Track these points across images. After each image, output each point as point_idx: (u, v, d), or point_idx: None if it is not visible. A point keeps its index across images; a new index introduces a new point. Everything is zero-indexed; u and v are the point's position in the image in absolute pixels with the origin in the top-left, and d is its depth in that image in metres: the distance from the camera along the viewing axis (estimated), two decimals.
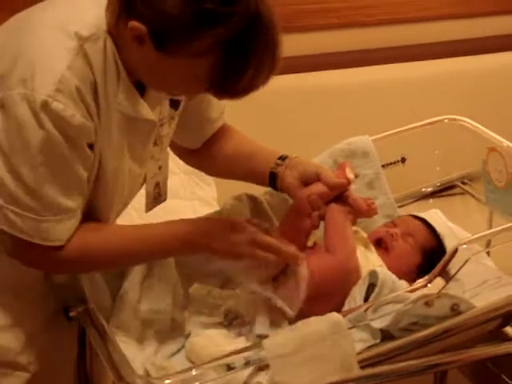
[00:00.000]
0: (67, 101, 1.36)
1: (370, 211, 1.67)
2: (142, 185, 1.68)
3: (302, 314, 1.49)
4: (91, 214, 1.55)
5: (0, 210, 1.43)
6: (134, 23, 1.33)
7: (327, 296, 1.54)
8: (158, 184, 1.69)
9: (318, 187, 1.63)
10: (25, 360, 1.60)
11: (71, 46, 1.38)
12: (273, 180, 1.68)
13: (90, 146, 1.44)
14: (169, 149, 1.70)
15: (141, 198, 1.69)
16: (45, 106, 1.35)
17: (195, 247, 1.53)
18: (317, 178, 1.64)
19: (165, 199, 1.74)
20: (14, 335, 1.59)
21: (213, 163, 1.77)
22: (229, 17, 1.29)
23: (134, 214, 2.11)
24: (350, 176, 1.65)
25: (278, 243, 1.52)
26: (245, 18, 1.30)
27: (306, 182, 1.65)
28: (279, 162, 1.68)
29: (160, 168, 1.67)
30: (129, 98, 1.44)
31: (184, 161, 1.81)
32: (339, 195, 1.65)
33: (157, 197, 1.71)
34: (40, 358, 1.62)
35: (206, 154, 1.76)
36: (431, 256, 1.68)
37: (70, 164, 1.41)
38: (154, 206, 1.73)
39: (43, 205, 1.42)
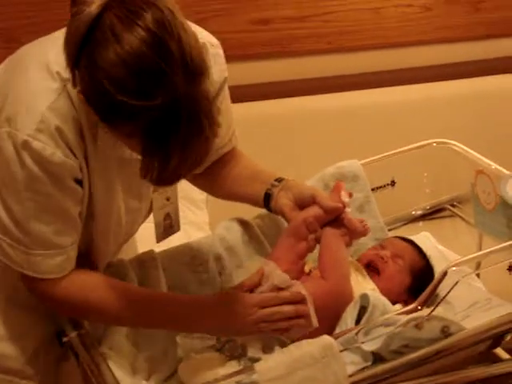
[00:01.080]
0: (47, 140, 1.38)
1: (364, 231, 1.67)
2: (147, 217, 1.69)
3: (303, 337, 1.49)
4: (88, 249, 1.56)
5: None
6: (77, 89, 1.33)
7: (321, 320, 1.54)
8: (168, 215, 1.70)
9: (314, 210, 1.63)
10: (31, 370, 1.63)
11: (54, 86, 1.39)
12: (267, 201, 1.68)
13: (78, 182, 1.45)
14: None
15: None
16: (25, 145, 1.37)
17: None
18: (312, 200, 1.64)
19: (178, 230, 1.75)
20: (23, 345, 1.62)
21: (217, 185, 1.76)
22: (144, 110, 1.24)
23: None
24: (345, 200, 1.65)
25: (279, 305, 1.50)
26: (161, 111, 1.24)
27: (301, 204, 1.65)
28: (275, 183, 1.68)
29: (168, 199, 1.68)
30: (111, 139, 1.41)
31: (189, 181, 1.79)
32: (334, 218, 1.65)
33: (168, 228, 1.72)
34: (46, 369, 1.65)
35: (211, 176, 1.74)
36: (420, 276, 1.69)
37: (57, 200, 1.42)
38: (166, 237, 1.73)
39: (31, 239, 1.44)
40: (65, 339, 1.58)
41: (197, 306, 1.53)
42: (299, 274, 1.62)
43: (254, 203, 1.72)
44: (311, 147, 2.85)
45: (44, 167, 1.39)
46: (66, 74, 1.36)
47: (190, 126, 1.27)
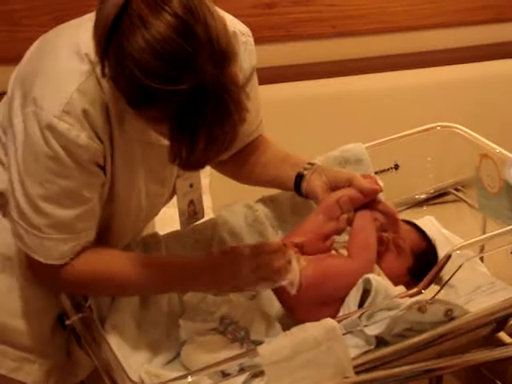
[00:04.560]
0: (73, 122, 1.39)
1: (397, 223, 1.66)
2: (167, 202, 1.70)
3: (309, 318, 1.49)
4: (106, 233, 1.58)
5: (13, 223, 1.49)
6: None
7: (337, 301, 1.55)
8: (192, 201, 1.71)
9: (349, 191, 1.63)
10: (47, 348, 1.65)
11: (84, 68, 1.40)
12: (298, 183, 1.68)
13: (100, 167, 1.46)
14: None
15: None
16: (51, 125, 1.38)
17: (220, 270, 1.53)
18: (348, 184, 1.64)
19: (202, 217, 1.76)
20: (40, 323, 1.64)
21: (246, 171, 1.77)
22: (171, 95, 1.25)
23: None
24: (381, 184, 1.65)
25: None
26: (189, 95, 1.25)
27: (335, 187, 1.64)
28: (308, 166, 1.68)
29: (191, 185, 1.69)
30: (138, 123, 1.43)
31: (215, 168, 1.81)
32: (367, 203, 1.65)
33: (192, 214, 1.73)
34: (62, 348, 1.68)
35: (239, 163, 1.75)
36: (422, 258, 1.69)
37: (77, 184, 1.43)
38: (190, 224, 1.75)
39: (46, 222, 1.45)
40: (67, 322, 1.59)
41: (196, 263, 1.56)
42: (324, 251, 1.62)
43: (284, 186, 1.73)
44: (315, 131, 2.85)
45: (68, 149, 1.39)
46: (95, 57, 1.36)
47: (217, 110, 1.27)
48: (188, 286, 1.58)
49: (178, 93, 1.25)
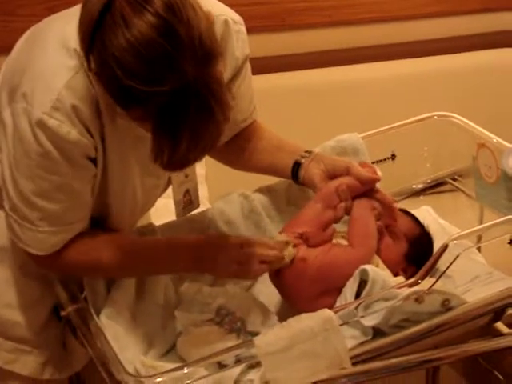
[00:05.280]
0: (63, 118, 1.38)
1: (395, 212, 1.66)
2: (163, 192, 1.70)
3: (310, 307, 1.49)
4: (102, 226, 1.58)
5: (6, 216, 1.50)
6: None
7: (339, 289, 1.55)
8: (187, 191, 1.71)
9: (347, 179, 1.62)
10: (42, 339, 1.66)
11: (72, 64, 1.39)
12: (296, 171, 1.68)
13: (91, 160, 1.45)
14: None
15: None
16: (41, 122, 1.38)
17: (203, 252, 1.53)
18: (346, 172, 1.63)
19: (198, 206, 1.76)
20: (35, 314, 1.65)
21: (242, 158, 1.76)
22: (153, 96, 1.25)
23: None
24: (379, 173, 1.65)
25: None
26: (171, 95, 1.25)
27: (333, 175, 1.64)
28: (305, 154, 1.68)
29: (187, 176, 1.69)
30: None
31: (212, 156, 1.79)
32: (365, 191, 1.64)
33: (188, 204, 1.73)
34: (56, 339, 1.68)
35: (235, 150, 1.75)
36: (417, 242, 1.68)
37: (68, 179, 1.43)
38: (186, 214, 1.75)
39: (38, 216, 1.45)
40: (63, 313, 1.58)
41: (181, 243, 1.57)
42: (326, 241, 1.61)
43: (281, 174, 1.73)
44: (311, 121, 2.85)
45: (58, 145, 1.39)
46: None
47: (200, 111, 1.27)
48: (171, 267, 1.58)
49: (159, 94, 1.24)
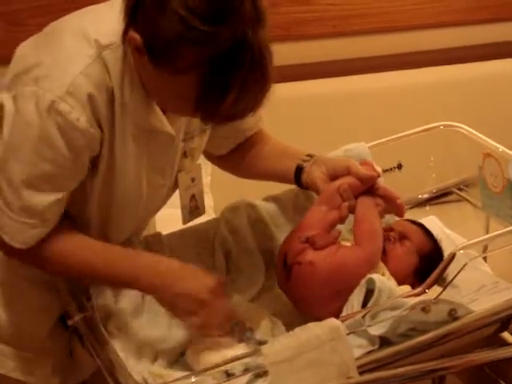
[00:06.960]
0: (76, 104, 1.38)
1: (400, 206, 1.66)
2: (169, 197, 1.70)
3: (321, 312, 1.50)
4: (106, 223, 1.57)
5: None
6: (132, 33, 1.34)
7: (349, 291, 1.54)
8: (193, 196, 1.72)
9: (348, 179, 1.63)
10: (51, 348, 1.66)
11: (90, 52, 1.40)
12: (298, 175, 1.68)
13: (91, 161, 1.45)
14: None
15: None
16: (52, 106, 1.37)
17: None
18: (347, 172, 1.63)
19: (203, 212, 1.76)
20: (44, 321, 1.65)
21: (246, 165, 1.78)
22: (213, 37, 1.28)
23: None
24: (379, 170, 1.66)
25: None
26: (229, 41, 1.29)
27: (335, 176, 1.64)
28: (307, 158, 1.69)
29: (193, 180, 1.69)
30: (143, 109, 1.45)
31: (215, 164, 1.82)
32: (367, 189, 1.64)
33: (193, 209, 1.73)
34: (65, 348, 1.69)
35: (239, 157, 1.77)
36: (428, 259, 1.68)
37: (60, 170, 1.42)
38: (191, 219, 1.75)
39: (21, 204, 1.43)
40: (70, 322, 1.58)
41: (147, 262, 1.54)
42: (332, 242, 1.61)
43: (284, 179, 1.73)
44: (317, 131, 2.85)
45: (64, 131, 1.39)
46: (105, 41, 1.39)
47: (253, 67, 1.31)
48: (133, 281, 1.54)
49: (220, 34, 1.27)
